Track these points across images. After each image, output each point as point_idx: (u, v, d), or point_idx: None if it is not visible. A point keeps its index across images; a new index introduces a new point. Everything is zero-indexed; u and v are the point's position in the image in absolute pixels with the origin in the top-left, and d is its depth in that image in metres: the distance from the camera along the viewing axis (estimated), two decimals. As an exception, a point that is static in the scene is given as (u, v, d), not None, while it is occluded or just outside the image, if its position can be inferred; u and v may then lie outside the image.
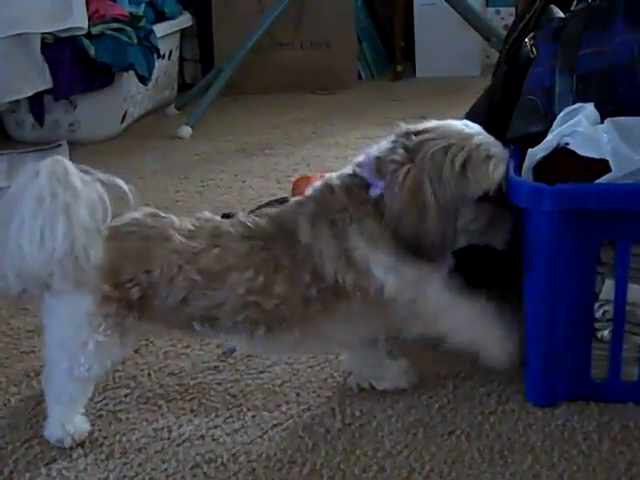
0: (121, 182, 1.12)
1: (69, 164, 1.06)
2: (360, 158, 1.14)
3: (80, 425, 1.16)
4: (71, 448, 1.15)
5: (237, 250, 1.10)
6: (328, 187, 1.13)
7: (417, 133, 1.10)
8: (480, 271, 1.22)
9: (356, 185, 1.11)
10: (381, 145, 1.13)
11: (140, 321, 1.12)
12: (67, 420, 1.15)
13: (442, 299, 1.12)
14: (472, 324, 1.14)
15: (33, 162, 1.06)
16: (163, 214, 1.15)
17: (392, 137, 1.13)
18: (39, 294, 1.10)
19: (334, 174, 1.15)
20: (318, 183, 1.15)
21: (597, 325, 1.15)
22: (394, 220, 1.07)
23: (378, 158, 1.11)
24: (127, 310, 1.10)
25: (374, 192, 1.09)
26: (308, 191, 1.15)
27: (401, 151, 1.09)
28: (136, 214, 1.14)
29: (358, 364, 1.25)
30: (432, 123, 1.12)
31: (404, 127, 1.13)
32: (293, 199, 1.17)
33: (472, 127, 1.12)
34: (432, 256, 1.08)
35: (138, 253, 1.10)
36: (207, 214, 1.17)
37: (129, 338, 1.14)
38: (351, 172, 1.13)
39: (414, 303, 1.11)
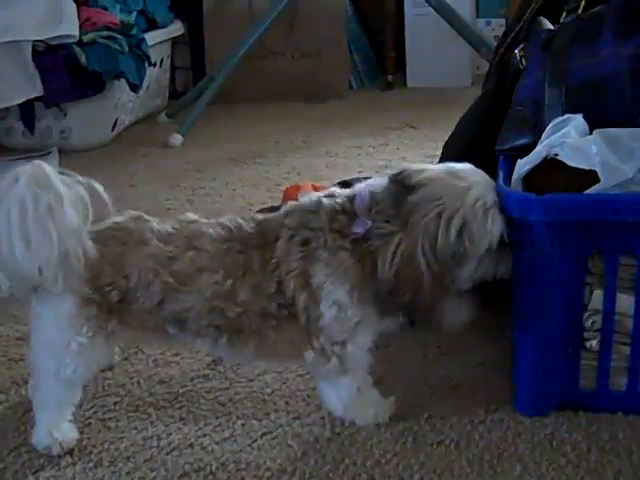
0: (98, 185, 1.12)
1: (48, 167, 1.06)
2: (359, 188, 1.12)
3: (68, 432, 1.16)
4: (59, 456, 1.14)
5: (212, 251, 1.11)
6: (318, 205, 1.12)
7: (409, 187, 1.06)
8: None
9: (344, 214, 1.10)
10: (377, 182, 1.11)
11: (122, 325, 1.12)
12: (55, 427, 1.15)
13: (360, 354, 1.13)
14: (358, 390, 1.16)
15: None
16: (147, 217, 1.16)
17: (387, 180, 1.10)
18: (27, 297, 1.11)
19: (333, 191, 1.14)
20: (315, 195, 1.15)
21: (586, 335, 1.16)
22: (385, 286, 1.05)
23: (373, 197, 1.09)
24: (108, 314, 1.11)
25: (357, 229, 1.08)
26: (300, 201, 1.15)
27: (390, 208, 1.07)
28: (119, 218, 1.15)
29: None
30: (425, 174, 1.07)
31: (395, 172, 1.10)
32: (284, 208, 1.17)
33: (464, 174, 1.08)
34: (423, 314, 1.08)
35: (117, 258, 1.11)
36: (190, 216, 1.17)
37: (113, 341, 1.16)
38: (346, 198, 1.11)
39: (341, 347, 1.11)
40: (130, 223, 1.14)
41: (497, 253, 1.09)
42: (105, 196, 1.12)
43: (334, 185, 1.20)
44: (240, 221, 1.14)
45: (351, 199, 1.11)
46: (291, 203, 1.16)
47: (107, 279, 1.10)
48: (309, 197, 1.15)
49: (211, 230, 1.12)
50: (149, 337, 1.19)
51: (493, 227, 1.06)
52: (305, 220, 1.11)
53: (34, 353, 1.15)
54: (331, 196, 1.13)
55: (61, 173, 1.08)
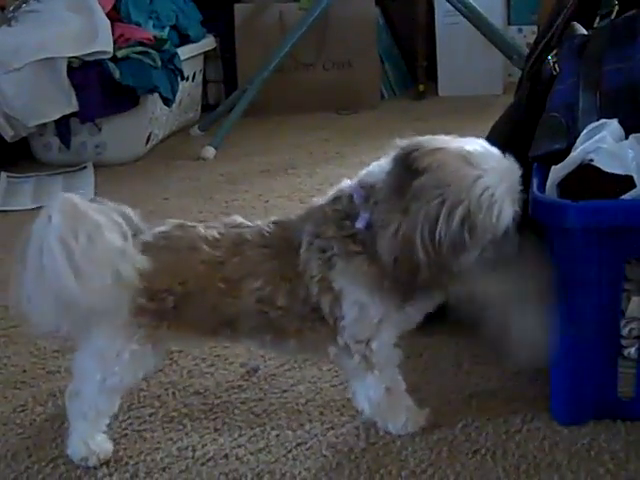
0: (127, 208, 1.13)
1: (76, 199, 1.07)
2: (354, 182, 1.11)
3: (103, 444, 1.17)
4: (95, 467, 1.15)
5: (252, 258, 1.12)
6: (325, 217, 1.11)
7: (416, 171, 1.02)
8: None
9: (349, 219, 1.09)
10: (375, 170, 1.10)
11: (171, 330, 1.13)
12: (90, 438, 1.16)
13: (384, 350, 1.14)
14: (387, 391, 1.16)
15: (60, 188, 1.06)
16: (189, 223, 1.17)
17: (389, 161, 1.08)
18: (86, 329, 1.12)
19: (337, 194, 1.13)
20: (320, 203, 1.14)
21: (624, 343, 1.14)
22: (387, 266, 1.05)
23: (371, 187, 1.08)
24: (160, 320, 1.12)
25: (360, 224, 1.08)
26: (310, 209, 1.15)
27: (390, 190, 1.05)
28: (163, 227, 1.16)
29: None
30: (435, 156, 1.02)
31: (403, 148, 1.06)
32: (299, 212, 1.17)
33: (477, 160, 1.02)
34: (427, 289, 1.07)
35: (172, 265, 1.12)
36: (237, 218, 1.18)
37: (161, 348, 1.17)
38: (347, 200, 1.10)
39: (366, 346, 1.12)
40: (177, 231, 1.15)
41: (500, 240, 1.05)
42: (135, 218, 1.13)
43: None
44: (271, 226, 1.15)
45: (352, 199, 1.10)
46: (305, 208, 1.17)
47: (163, 286, 1.11)
48: (317, 204, 1.14)
49: (250, 237, 1.14)
50: (199, 340, 1.22)
51: (499, 220, 1.02)
52: (319, 230, 1.11)
53: (81, 364, 1.15)
54: (334, 201, 1.12)
55: (91, 201, 1.09)
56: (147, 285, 1.09)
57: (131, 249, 1.08)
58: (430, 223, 1.00)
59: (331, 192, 1.15)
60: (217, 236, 1.14)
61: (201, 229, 1.15)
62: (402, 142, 1.07)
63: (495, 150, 1.07)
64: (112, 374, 1.13)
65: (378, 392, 1.16)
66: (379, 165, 1.11)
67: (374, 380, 1.15)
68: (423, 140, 1.06)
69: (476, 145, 1.06)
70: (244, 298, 1.12)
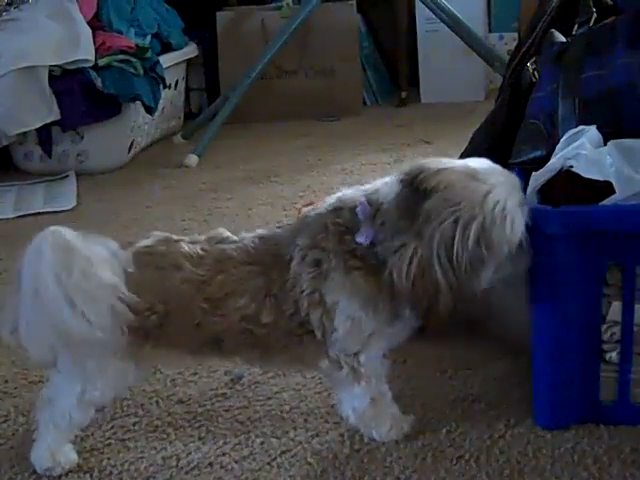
0: (113, 243, 1.12)
1: (67, 232, 1.06)
2: (359, 196, 1.10)
3: (69, 455, 1.17)
4: (59, 477, 1.14)
5: (237, 276, 1.12)
6: (325, 228, 1.10)
7: (425, 192, 1.01)
8: None
9: (350, 233, 1.08)
10: (384, 189, 1.08)
11: (156, 349, 1.13)
12: (57, 449, 1.15)
13: (373, 363, 1.14)
14: (372, 401, 1.16)
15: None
16: (175, 237, 1.16)
17: (396, 183, 1.06)
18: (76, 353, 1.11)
19: (337, 205, 1.11)
20: (320, 213, 1.13)
21: (605, 347, 1.15)
22: (402, 294, 1.03)
23: (379, 205, 1.06)
24: (144, 338, 1.11)
25: (361, 239, 1.06)
26: (307, 218, 1.14)
27: (398, 213, 1.04)
28: (148, 241, 1.15)
29: None
30: (442, 176, 1.02)
31: (408, 172, 1.05)
32: (293, 225, 1.17)
33: (484, 176, 1.03)
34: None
35: (155, 283, 1.11)
36: (221, 231, 1.17)
37: (144, 365, 1.17)
38: (349, 214, 1.09)
39: (354, 358, 1.13)
40: (161, 246, 1.14)
41: (515, 254, 1.05)
42: (120, 253, 1.11)
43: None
44: (256, 241, 1.14)
45: (354, 212, 1.08)
46: (300, 218, 1.17)
47: (146, 305, 1.10)
48: (315, 214, 1.13)
49: (235, 253, 1.13)
50: (183, 358, 1.19)
51: (512, 233, 1.02)
52: (315, 242, 1.10)
53: (62, 376, 1.14)
54: (334, 212, 1.11)
55: (78, 236, 1.08)
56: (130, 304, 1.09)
57: (122, 285, 1.07)
58: (446, 244, 0.99)
59: (329, 202, 1.13)
60: (201, 253, 1.13)
61: (184, 245, 1.14)
62: (405, 166, 1.07)
63: (497, 166, 1.07)
64: (93, 388, 1.12)
65: (363, 402, 1.16)
66: (387, 184, 1.08)
67: (360, 391, 1.15)
68: (426, 162, 1.05)
69: (479, 162, 1.06)
70: (228, 317, 1.11)
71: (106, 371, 1.11)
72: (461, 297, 1.02)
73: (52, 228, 1.06)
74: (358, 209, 1.08)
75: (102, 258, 1.07)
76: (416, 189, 1.02)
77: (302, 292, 1.10)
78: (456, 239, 0.99)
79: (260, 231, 1.17)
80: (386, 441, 1.18)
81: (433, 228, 0.99)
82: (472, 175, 1.03)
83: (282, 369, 1.34)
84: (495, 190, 1.02)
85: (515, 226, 1.02)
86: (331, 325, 1.10)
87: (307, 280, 1.09)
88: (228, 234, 1.17)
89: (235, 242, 1.15)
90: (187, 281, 1.11)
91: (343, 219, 1.09)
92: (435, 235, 0.99)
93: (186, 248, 1.14)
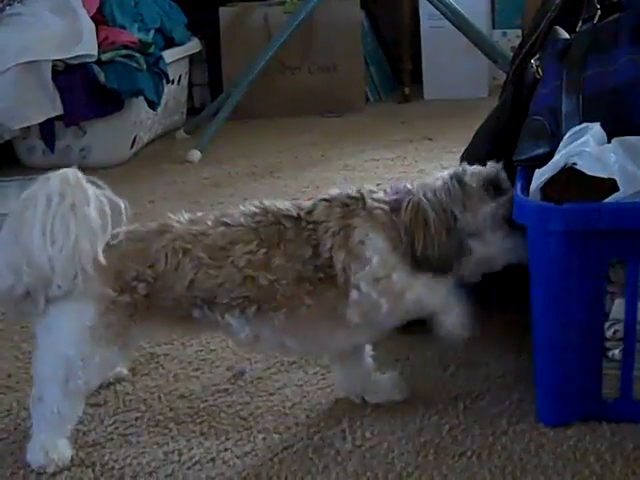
0: (119, 200, 1.15)
1: (80, 173, 1.12)
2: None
3: (64, 451, 1.16)
4: (61, 472, 1.14)
5: (245, 224, 1.14)
6: (355, 189, 1.19)
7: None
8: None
9: (380, 192, 1.18)
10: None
11: (142, 324, 1.13)
12: (51, 446, 1.14)
13: (410, 276, 1.15)
14: (434, 294, 1.16)
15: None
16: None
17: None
18: (38, 301, 1.11)
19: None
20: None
21: (608, 344, 1.15)
22: (406, 237, 1.14)
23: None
24: (130, 317, 1.12)
25: (390, 197, 1.17)
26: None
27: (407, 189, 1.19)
28: (122, 228, 1.16)
29: (347, 379, 1.27)
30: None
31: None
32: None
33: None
34: (440, 268, 1.14)
35: (139, 251, 1.12)
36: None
37: (128, 347, 1.17)
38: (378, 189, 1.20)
39: (386, 280, 1.13)
40: (140, 227, 1.17)
41: (502, 236, 1.16)
42: (126, 215, 1.14)
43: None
44: (275, 203, 1.18)
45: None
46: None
47: (132, 273, 1.11)
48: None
49: (244, 208, 1.17)
50: (171, 328, 1.21)
51: (490, 204, 1.15)
52: (343, 194, 1.18)
53: (42, 366, 1.14)
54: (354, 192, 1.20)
55: (92, 183, 1.13)
56: (114, 277, 1.10)
57: (101, 240, 1.10)
58: (433, 191, 1.16)
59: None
60: (192, 217, 1.16)
61: (171, 215, 1.17)
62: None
63: None
64: (77, 377, 1.12)
65: (426, 290, 1.15)
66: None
67: (415, 288, 1.14)
68: None
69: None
70: (229, 266, 1.11)
71: (89, 360, 1.11)
72: (451, 242, 1.13)
73: (69, 169, 1.12)
74: (392, 187, 1.20)
75: (101, 208, 1.11)
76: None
77: (326, 231, 1.12)
78: (441, 186, 1.17)
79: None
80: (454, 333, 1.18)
81: (423, 183, 1.19)
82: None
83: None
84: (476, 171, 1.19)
85: (493, 200, 1.16)
86: (357, 262, 1.12)
87: (334, 219, 1.13)
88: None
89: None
90: (179, 237, 1.12)
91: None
92: (426, 190, 1.17)
93: (172, 216, 1.17)
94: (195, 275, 1.11)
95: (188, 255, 1.11)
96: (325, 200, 1.18)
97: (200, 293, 1.12)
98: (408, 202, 1.16)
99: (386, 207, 1.16)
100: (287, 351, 1.23)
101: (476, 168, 1.19)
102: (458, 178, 1.17)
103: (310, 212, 1.16)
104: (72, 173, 1.11)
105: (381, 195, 1.18)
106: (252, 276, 1.11)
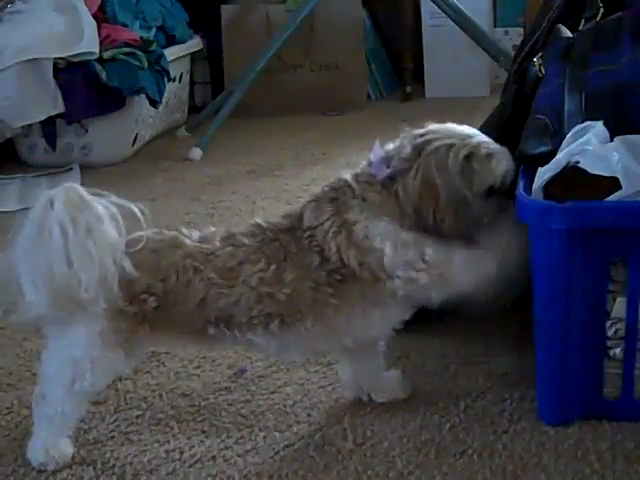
0: (129, 203, 1.13)
1: (81, 189, 1.08)
2: (367, 161, 1.18)
3: (65, 449, 1.16)
4: (54, 469, 1.14)
5: (249, 245, 1.13)
6: (336, 179, 1.17)
7: (422, 134, 1.16)
8: None
9: (364, 173, 1.16)
10: (388, 145, 1.18)
11: (152, 333, 1.13)
12: (52, 444, 1.15)
13: (439, 250, 1.13)
14: (467, 266, 1.14)
15: (45, 189, 1.08)
16: (167, 230, 1.17)
17: (399, 139, 1.18)
18: (65, 318, 1.10)
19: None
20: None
21: (609, 343, 1.15)
22: (413, 213, 1.11)
23: (386, 153, 1.16)
24: (139, 324, 1.11)
25: (380, 175, 1.14)
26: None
27: (408, 150, 1.14)
28: (140, 233, 1.15)
29: (358, 376, 1.26)
30: (436, 125, 1.17)
31: (411, 131, 1.18)
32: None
33: (472, 130, 1.17)
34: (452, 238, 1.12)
35: (151, 264, 1.11)
36: (213, 228, 1.18)
37: (135, 353, 1.16)
38: (363, 166, 1.18)
39: (414, 263, 1.12)
40: (154, 235, 1.15)
41: (502, 205, 1.14)
42: (138, 214, 1.13)
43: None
44: (268, 219, 1.17)
45: (368, 164, 1.17)
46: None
47: (142, 286, 1.10)
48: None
49: (242, 229, 1.16)
50: (185, 341, 1.19)
51: (497, 168, 1.13)
52: (326, 189, 1.16)
53: (49, 367, 1.14)
54: (337, 182, 1.17)
55: (95, 194, 1.10)
56: (125, 286, 1.09)
57: (123, 244, 1.09)
58: (441, 159, 1.11)
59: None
60: (201, 235, 1.15)
61: (182, 230, 1.16)
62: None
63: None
64: (83, 379, 1.12)
65: (464, 258, 1.13)
66: (389, 144, 1.19)
67: (458, 256, 1.12)
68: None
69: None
70: (241, 285, 1.10)
71: (96, 362, 1.11)
72: (459, 213, 1.10)
73: (67, 184, 1.08)
74: (371, 155, 1.16)
75: (114, 217, 1.09)
76: (415, 135, 1.17)
77: (326, 235, 1.11)
78: (450, 157, 1.12)
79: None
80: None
81: (430, 150, 1.13)
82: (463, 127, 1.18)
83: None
84: (481, 137, 1.16)
85: (500, 163, 1.14)
86: (371, 259, 1.10)
87: (327, 219, 1.11)
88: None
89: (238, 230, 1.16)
90: (190, 256, 1.12)
91: (357, 170, 1.17)
92: (432, 154, 1.12)
93: (184, 231, 1.16)
94: (206, 294, 1.11)
95: (198, 275, 1.11)
96: (312, 201, 1.16)
97: (213, 312, 1.12)
98: (415, 171, 1.11)
99: (378, 187, 1.13)
100: (319, 352, 1.26)
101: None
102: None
103: (301, 218, 1.14)
104: (73, 192, 1.07)
105: (366, 174, 1.15)
106: (269, 293, 1.11)
